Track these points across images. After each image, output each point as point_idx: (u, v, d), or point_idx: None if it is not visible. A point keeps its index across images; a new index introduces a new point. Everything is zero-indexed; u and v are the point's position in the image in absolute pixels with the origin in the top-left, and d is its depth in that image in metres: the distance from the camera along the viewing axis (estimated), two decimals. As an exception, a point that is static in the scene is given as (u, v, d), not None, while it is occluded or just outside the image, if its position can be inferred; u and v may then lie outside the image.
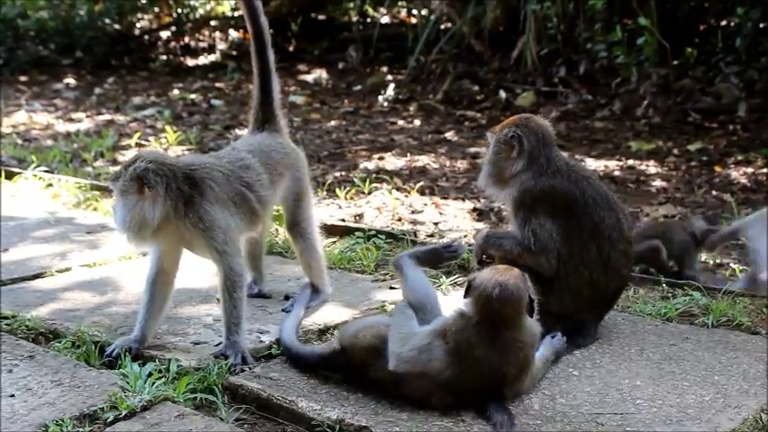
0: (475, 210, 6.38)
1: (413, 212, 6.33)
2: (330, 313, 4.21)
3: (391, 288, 4.58)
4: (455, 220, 6.12)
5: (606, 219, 3.81)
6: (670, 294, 4.45)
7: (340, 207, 6.41)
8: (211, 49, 15.40)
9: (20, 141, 9.18)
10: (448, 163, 7.91)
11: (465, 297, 3.20)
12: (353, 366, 3.37)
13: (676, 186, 6.95)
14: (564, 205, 3.79)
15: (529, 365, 3.24)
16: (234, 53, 14.69)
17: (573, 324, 3.76)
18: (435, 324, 3.28)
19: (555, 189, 3.81)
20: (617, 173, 7.40)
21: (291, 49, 14.51)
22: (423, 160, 8.00)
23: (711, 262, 5.09)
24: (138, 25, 16.13)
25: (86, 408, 3.21)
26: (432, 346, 3.18)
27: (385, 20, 14.36)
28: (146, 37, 15.99)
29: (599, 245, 3.79)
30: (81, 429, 3.10)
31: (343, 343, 3.42)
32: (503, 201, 4.11)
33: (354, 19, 14.20)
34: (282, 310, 4.15)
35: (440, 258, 3.89)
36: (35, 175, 7.06)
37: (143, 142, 8.57)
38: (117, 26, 15.34)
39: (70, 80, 13.39)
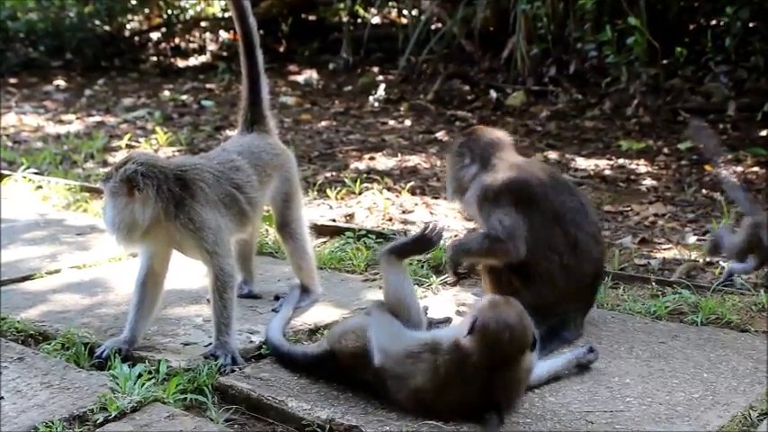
0: (465, 209, 6.38)
1: (403, 212, 6.33)
2: (320, 313, 4.21)
3: (381, 288, 4.58)
4: (446, 220, 6.12)
5: (568, 203, 3.90)
6: (659, 292, 4.47)
7: (331, 207, 6.42)
8: (202, 50, 15.37)
9: (9, 143, 9.15)
10: (439, 163, 7.91)
11: (468, 335, 3.04)
12: (342, 368, 3.37)
13: (666, 185, 6.96)
14: (524, 194, 3.88)
15: (520, 393, 3.19)
16: (224, 54, 14.66)
17: (557, 321, 3.78)
18: (430, 337, 3.23)
19: (512, 179, 3.91)
20: (607, 172, 7.41)
21: (282, 49, 14.50)
22: (413, 160, 8.00)
23: (701, 261, 5.10)
24: (128, 27, 16.08)
25: (76, 409, 3.21)
26: (421, 357, 3.13)
27: (375, 20, 14.35)
28: (136, 38, 15.94)
29: (564, 229, 3.85)
30: (71, 431, 3.09)
31: (331, 345, 3.43)
32: (468, 205, 4.15)
33: (345, 20, 14.18)
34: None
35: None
36: (25, 177, 7.05)
37: (133, 144, 8.55)
38: (107, 28, 15.28)
39: (60, 82, 13.35)
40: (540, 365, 3.40)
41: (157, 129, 8.90)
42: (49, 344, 3.83)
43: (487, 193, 3.90)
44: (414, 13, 12.22)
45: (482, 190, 3.93)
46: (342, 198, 6.60)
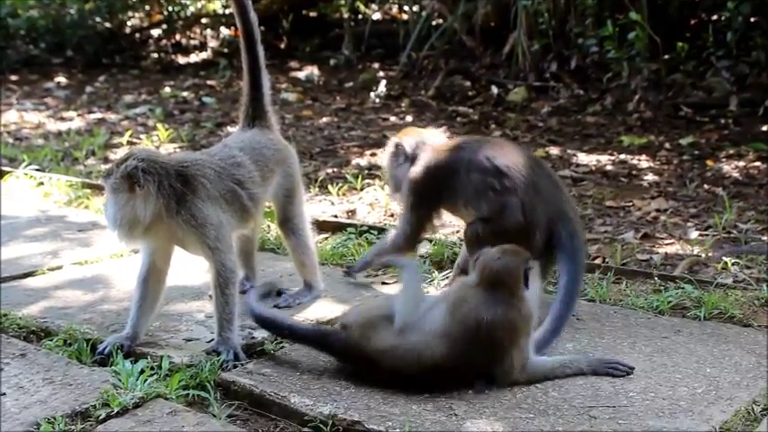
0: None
1: (405, 208, 6.31)
2: (322, 309, 4.21)
3: (383, 284, 4.59)
4: (446, 216, 6.11)
5: (487, 147, 4.11)
6: (662, 287, 4.46)
7: (332, 203, 6.41)
8: (203, 46, 15.36)
9: (11, 140, 9.15)
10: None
11: (473, 266, 3.49)
12: (350, 343, 3.40)
13: (668, 180, 6.95)
14: (439, 172, 4.14)
15: (517, 336, 3.30)
16: (225, 50, 14.64)
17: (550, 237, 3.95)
18: (440, 293, 3.59)
19: (430, 162, 4.18)
20: (609, 167, 7.40)
21: (283, 46, 14.48)
22: (415, 156, 7.98)
23: (703, 255, 5.09)
24: (128, 23, 16.07)
25: (78, 405, 3.21)
26: (433, 310, 3.37)
27: (376, 16, 14.34)
28: (137, 35, 15.93)
29: (485, 165, 4.02)
30: (73, 427, 3.09)
31: (347, 321, 3.48)
32: (402, 201, 4.40)
33: (346, 16, 14.17)
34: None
35: None
36: (26, 174, 7.05)
37: (134, 140, 8.55)
38: (108, 24, 15.27)
39: (61, 79, 13.34)
40: (546, 359, 3.49)
41: (158, 125, 8.90)
42: (51, 340, 3.83)
43: (409, 186, 4.22)
44: (414, 9, 12.22)
45: (409, 181, 4.22)
46: (343, 194, 6.59)
